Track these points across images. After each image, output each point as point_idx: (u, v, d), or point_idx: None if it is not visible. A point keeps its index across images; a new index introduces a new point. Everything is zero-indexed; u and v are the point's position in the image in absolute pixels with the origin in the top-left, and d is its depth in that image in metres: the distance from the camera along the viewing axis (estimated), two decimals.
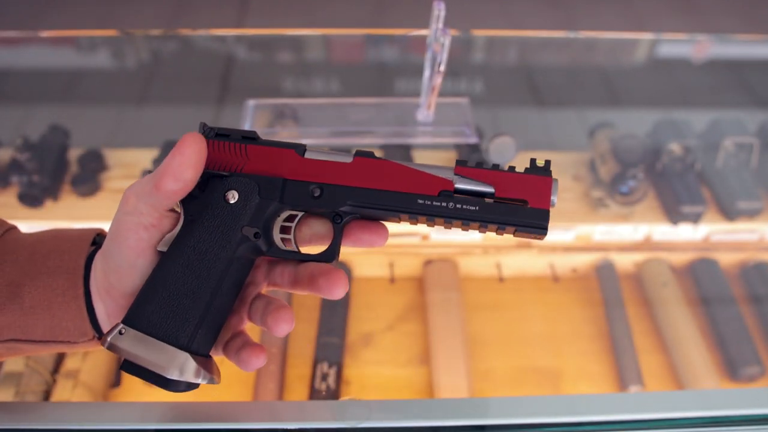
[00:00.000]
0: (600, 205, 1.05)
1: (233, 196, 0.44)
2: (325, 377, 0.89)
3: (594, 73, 1.44)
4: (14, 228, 0.49)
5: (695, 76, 1.39)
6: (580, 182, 1.09)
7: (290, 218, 0.46)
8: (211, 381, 0.43)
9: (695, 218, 1.03)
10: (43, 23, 2.39)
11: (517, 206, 0.43)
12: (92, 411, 0.59)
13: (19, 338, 0.45)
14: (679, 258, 1.08)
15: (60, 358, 0.90)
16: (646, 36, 1.51)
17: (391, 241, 0.47)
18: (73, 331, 0.45)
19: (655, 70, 1.42)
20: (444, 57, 0.84)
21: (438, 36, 0.85)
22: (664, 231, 1.05)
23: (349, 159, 0.45)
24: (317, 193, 0.45)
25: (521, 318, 1.01)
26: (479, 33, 1.47)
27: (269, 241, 0.45)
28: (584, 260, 1.07)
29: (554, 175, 0.45)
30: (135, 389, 0.89)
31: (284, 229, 0.46)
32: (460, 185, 0.44)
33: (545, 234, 0.44)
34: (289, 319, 0.44)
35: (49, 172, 1.02)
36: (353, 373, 0.93)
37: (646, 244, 1.07)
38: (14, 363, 0.88)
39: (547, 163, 0.46)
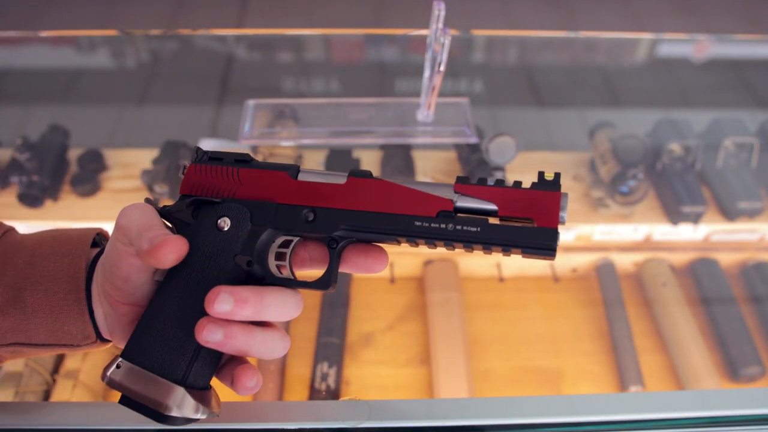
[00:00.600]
0: (600, 205, 1.04)
1: (225, 223, 0.43)
2: (325, 377, 0.89)
3: (594, 73, 1.44)
4: (12, 230, 0.48)
5: (695, 76, 1.39)
6: (580, 182, 1.09)
7: (285, 244, 0.45)
8: (211, 414, 0.42)
9: (695, 218, 1.03)
10: (42, 23, 2.39)
11: (521, 226, 0.40)
12: (92, 411, 0.59)
13: (22, 342, 0.45)
14: (679, 258, 1.08)
15: (60, 359, 0.90)
16: (647, 36, 1.51)
17: None
18: (76, 334, 0.45)
19: (655, 70, 1.42)
20: (444, 57, 0.84)
21: (438, 36, 0.85)
22: (664, 231, 1.05)
23: (343, 180, 0.43)
24: (311, 217, 0.43)
25: (521, 318, 1.01)
26: (479, 33, 1.47)
27: (264, 267, 0.43)
28: (584, 260, 1.07)
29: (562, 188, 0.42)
30: None
31: (279, 256, 0.44)
32: (461, 204, 0.41)
33: (554, 255, 0.40)
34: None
35: (48, 172, 1.02)
36: (353, 373, 0.93)
37: (646, 244, 1.07)
38: (14, 363, 0.88)
39: (557, 176, 0.41)
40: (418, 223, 0.41)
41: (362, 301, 1.02)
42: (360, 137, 0.97)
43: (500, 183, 0.42)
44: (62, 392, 0.86)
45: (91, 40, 1.48)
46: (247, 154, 0.46)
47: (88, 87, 1.47)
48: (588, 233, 1.05)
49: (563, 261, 1.07)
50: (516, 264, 1.07)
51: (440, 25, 0.85)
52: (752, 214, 1.04)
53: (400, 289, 1.04)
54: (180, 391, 0.40)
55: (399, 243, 0.43)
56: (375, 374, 0.93)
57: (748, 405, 0.55)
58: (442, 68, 0.86)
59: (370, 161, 1.09)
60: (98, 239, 0.48)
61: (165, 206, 0.45)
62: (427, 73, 0.91)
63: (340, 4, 2.45)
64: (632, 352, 0.95)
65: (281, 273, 0.45)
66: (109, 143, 1.22)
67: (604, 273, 1.06)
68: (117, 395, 0.43)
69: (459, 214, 0.41)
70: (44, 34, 1.41)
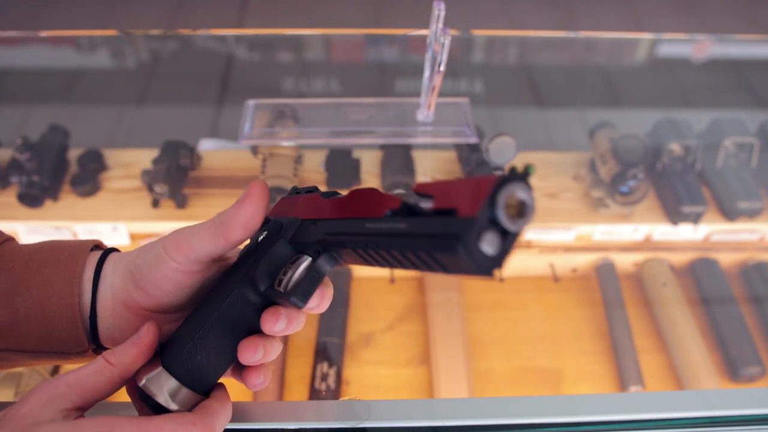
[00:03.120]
0: (600, 205, 1.05)
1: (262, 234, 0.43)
2: (325, 377, 0.89)
3: (594, 73, 1.44)
4: (12, 239, 0.48)
5: (695, 76, 1.39)
6: (581, 182, 1.09)
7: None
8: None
9: (695, 218, 1.03)
10: (42, 23, 2.39)
11: (443, 216, 0.30)
12: (92, 411, 0.59)
13: (12, 348, 0.44)
14: (679, 258, 1.08)
15: None
16: (646, 36, 1.51)
17: None
18: (67, 341, 0.44)
19: (655, 70, 1.42)
20: (444, 57, 0.84)
21: (438, 36, 0.85)
22: (664, 231, 1.05)
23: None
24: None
25: (521, 318, 1.01)
26: (479, 33, 1.47)
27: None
28: (584, 260, 1.07)
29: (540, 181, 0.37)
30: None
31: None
32: (405, 200, 0.34)
33: (457, 255, 0.28)
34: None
35: (48, 172, 1.02)
36: (353, 373, 0.93)
37: (646, 244, 1.07)
38: None
39: (527, 169, 0.30)
40: (368, 225, 0.36)
41: (362, 301, 1.02)
42: (360, 137, 0.97)
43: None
44: None
45: (91, 40, 1.48)
46: (314, 187, 0.47)
47: (88, 87, 1.47)
48: (588, 233, 1.05)
49: (563, 261, 1.07)
50: (516, 264, 1.07)
51: (440, 25, 0.85)
52: (752, 214, 1.04)
53: (400, 289, 1.04)
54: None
55: (367, 261, 0.38)
56: (375, 374, 0.93)
57: (748, 405, 0.55)
58: (442, 68, 0.86)
59: (370, 161, 1.09)
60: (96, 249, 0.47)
61: None
62: (427, 73, 0.91)
63: (340, 4, 2.45)
64: (632, 352, 0.95)
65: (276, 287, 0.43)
66: (109, 143, 1.23)
67: (604, 273, 1.06)
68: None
69: (396, 214, 0.35)
70: (44, 34, 1.41)
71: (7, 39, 1.42)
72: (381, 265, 0.37)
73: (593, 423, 0.56)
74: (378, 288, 1.04)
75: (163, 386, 0.40)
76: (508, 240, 0.29)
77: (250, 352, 0.41)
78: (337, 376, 0.90)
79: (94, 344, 0.45)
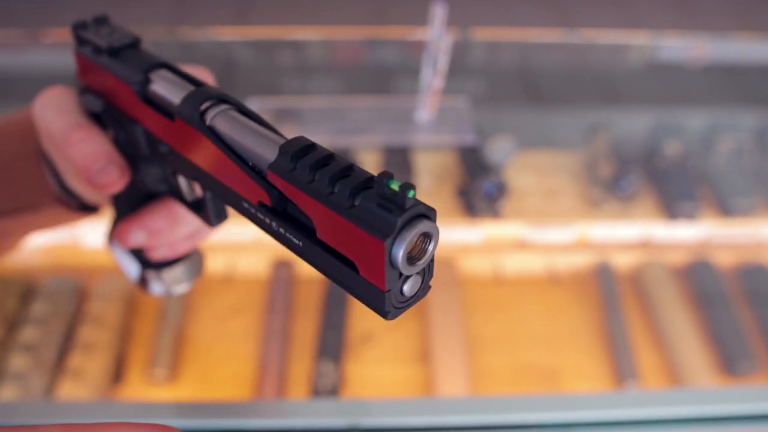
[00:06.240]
0: (598, 205, 1.05)
1: None
2: (325, 376, 0.90)
3: (593, 72, 1.45)
4: None
5: (694, 75, 1.39)
6: (579, 181, 1.10)
7: None
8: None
9: (693, 218, 1.03)
10: (43, 24, 2.39)
11: (347, 268, 0.26)
12: (93, 410, 0.59)
13: None
14: (678, 258, 1.08)
15: (62, 354, 0.91)
16: (646, 36, 1.51)
17: None
18: (35, 190, 0.42)
19: (653, 70, 1.43)
20: (444, 57, 0.85)
21: (438, 36, 0.85)
22: (662, 231, 1.06)
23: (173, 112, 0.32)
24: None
25: (520, 317, 1.02)
26: (479, 33, 1.47)
27: None
28: (583, 260, 1.08)
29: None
30: (136, 385, 0.89)
31: None
32: (275, 198, 0.28)
33: (388, 317, 0.27)
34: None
35: None
36: (353, 371, 0.93)
37: (645, 244, 1.07)
38: (15, 361, 0.88)
39: (404, 189, 0.23)
40: (245, 206, 0.30)
41: None
42: (360, 137, 0.97)
43: (334, 181, 0.26)
44: (63, 389, 0.87)
45: None
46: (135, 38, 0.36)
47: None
48: (586, 233, 1.05)
49: (562, 261, 1.08)
50: (515, 264, 1.07)
51: (440, 26, 0.85)
52: (750, 215, 1.05)
53: None
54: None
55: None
56: (375, 373, 0.94)
57: (743, 401, 0.55)
58: (442, 68, 0.87)
59: (370, 161, 1.10)
60: None
61: None
62: (427, 74, 0.92)
63: (340, 4, 2.46)
64: (630, 350, 0.96)
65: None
66: None
67: (603, 272, 1.06)
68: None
69: (276, 215, 0.29)
70: (45, 34, 1.41)
71: (7, 39, 1.42)
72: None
73: (593, 423, 0.56)
74: None
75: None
76: (426, 270, 0.27)
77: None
78: (337, 374, 0.91)
79: (65, 192, 0.42)
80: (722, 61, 1.42)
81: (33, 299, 0.98)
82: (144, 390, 0.89)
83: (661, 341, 0.98)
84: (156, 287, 0.43)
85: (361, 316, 1.00)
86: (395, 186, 0.23)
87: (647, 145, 1.13)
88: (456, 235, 1.03)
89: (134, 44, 0.36)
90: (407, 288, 0.26)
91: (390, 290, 0.25)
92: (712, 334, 0.99)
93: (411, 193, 0.23)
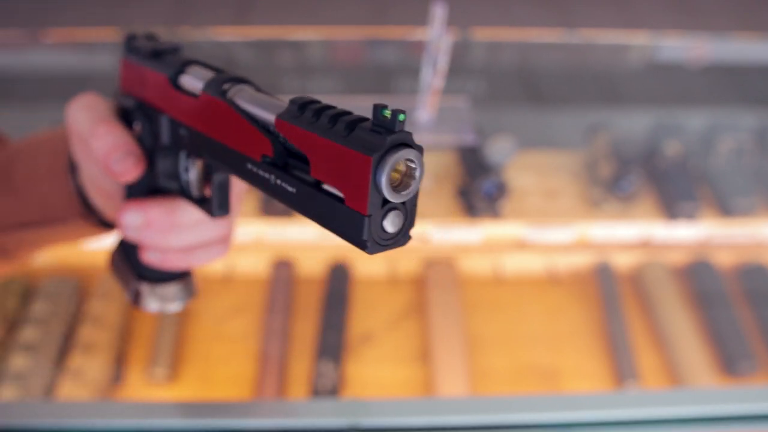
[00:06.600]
0: (598, 204, 1.05)
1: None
2: (325, 376, 0.90)
3: (593, 72, 1.45)
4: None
5: (694, 75, 1.39)
6: (579, 181, 1.10)
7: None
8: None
9: (693, 218, 1.03)
10: (43, 24, 2.39)
11: (336, 200, 0.28)
12: (94, 409, 0.59)
13: (14, 222, 0.45)
14: (678, 258, 1.08)
15: (62, 354, 0.91)
16: (646, 36, 1.51)
17: None
18: (60, 206, 0.45)
19: (653, 70, 1.43)
20: (444, 57, 0.85)
21: (438, 36, 0.85)
22: (662, 231, 1.06)
23: (199, 90, 0.36)
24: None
25: (520, 317, 1.02)
26: (479, 33, 1.47)
27: None
28: (583, 259, 1.08)
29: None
30: (136, 384, 0.89)
31: None
32: (278, 149, 0.31)
33: (368, 250, 0.28)
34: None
35: None
36: (353, 371, 0.93)
37: (645, 244, 1.07)
38: (15, 361, 0.88)
39: (395, 113, 0.26)
40: (249, 167, 0.33)
41: (362, 300, 1.02)
42: None
43: (332, 117, 0.28)
44: (64, 389, 0.87)
45: (92, 40, 1.48)
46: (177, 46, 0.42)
47: (90, 88, 1.47)
48: (586, 232, 1.05)
49: (562, 260, 1.08)
50: (515, 264, 1.07)
51: (440, 26, 0.85)
52: (750, 215, 1.05)
53: (400, 289, 1.05)
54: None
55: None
56: (375, 373, 0.94)
57: (743, 401, 0.55)
58: (442, 68, 0.87)
59: None
60: None
61: None
62: (427, 74, 0.92)
63: (340, 4, 2.46)
64: (630, 350, 0.96)
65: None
66: None
67: (603, 272, 1.06)
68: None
69: (276, 164, 0.32)
70: (45, 35, 1.41)
71: (8, 40, 1.42)
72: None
73: (593, 423, 0.56)
74: (378, 287, 1.05)
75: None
76: (408, 205, 0.28)
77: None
78: (337, 375, 0.91)
79: (88, 210, 0.45)
80: (722, 61, 1.42)
81: (33, 299, 0.98)
82: (144, 390, 0.89)
83: (661, 341, 0.98)
84: (151, 303, 0.44)
85: (361, 316, 1.00)
86: (387, 113, 0.26)
87: (647, 145, 1.13)
88: (456, 235, 1.03)
89: (175, 50, 0.41)
90: (388, 223, 0.27)
91: (371, 215, 0.27)
92: (712, 334, 0.99)
93: (401, 117, 0.26)
